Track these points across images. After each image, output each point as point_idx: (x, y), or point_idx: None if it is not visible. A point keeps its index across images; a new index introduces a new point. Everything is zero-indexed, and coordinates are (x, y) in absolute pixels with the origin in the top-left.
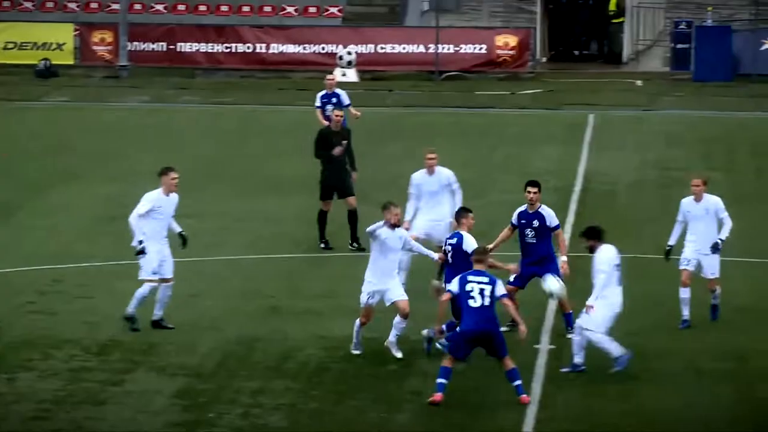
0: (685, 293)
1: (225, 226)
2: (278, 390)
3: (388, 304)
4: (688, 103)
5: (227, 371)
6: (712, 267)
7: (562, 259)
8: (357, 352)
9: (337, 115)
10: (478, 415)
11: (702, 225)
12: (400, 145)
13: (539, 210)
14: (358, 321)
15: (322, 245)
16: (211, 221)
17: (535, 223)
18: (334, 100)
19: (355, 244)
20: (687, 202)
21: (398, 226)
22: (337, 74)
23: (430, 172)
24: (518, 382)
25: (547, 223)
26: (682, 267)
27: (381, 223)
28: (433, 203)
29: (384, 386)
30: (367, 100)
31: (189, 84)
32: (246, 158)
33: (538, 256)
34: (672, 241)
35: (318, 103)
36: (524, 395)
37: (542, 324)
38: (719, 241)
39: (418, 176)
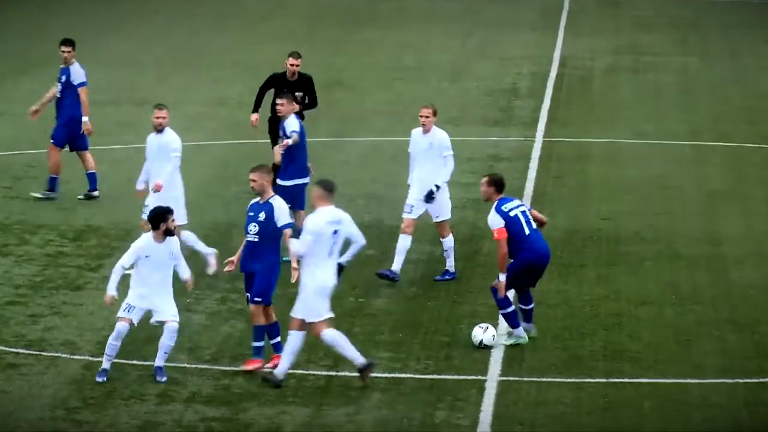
0: (403, 241)
1: (198, 111)
2: None
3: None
4: None
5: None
6: (435, 208)
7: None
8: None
9: (291, 64)
10: (454, 301)
11: (427, 161)
12: (376, 32)
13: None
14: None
15: None
16: (184, 107)
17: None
18: None
19: None
20: (415, 132)
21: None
22: None
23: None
24: (256, 344)
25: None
26: (404, 215)
27: None
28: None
29: (361, 271)
30: None
31: None
32: (219, 44)
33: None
34: (411, 179)
35: None
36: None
37: None
38: (434, 189)
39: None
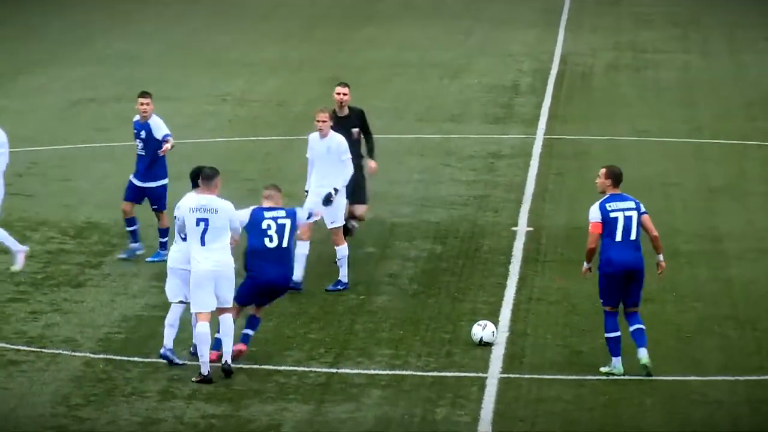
0: (300, 248)
1: (199, 109)
2: None
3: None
4: None
5: None
6: (330, 214)
7: None
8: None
9: (338, 93)
10: (455, 298)
11: (325, 166)
12: (376, 29)
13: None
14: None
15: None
16: (185, 104)
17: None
18: None
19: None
20: (312, 137)
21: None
22: None
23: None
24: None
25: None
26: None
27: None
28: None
29: (362, 269)
30: None
31: None
32: (219, 41)
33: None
34: (309, 185)
35: None
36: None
37: (520, 206)
38: (332, 192)
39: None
